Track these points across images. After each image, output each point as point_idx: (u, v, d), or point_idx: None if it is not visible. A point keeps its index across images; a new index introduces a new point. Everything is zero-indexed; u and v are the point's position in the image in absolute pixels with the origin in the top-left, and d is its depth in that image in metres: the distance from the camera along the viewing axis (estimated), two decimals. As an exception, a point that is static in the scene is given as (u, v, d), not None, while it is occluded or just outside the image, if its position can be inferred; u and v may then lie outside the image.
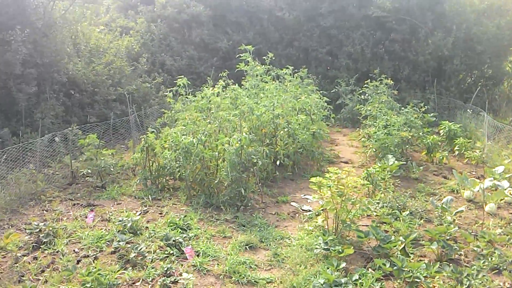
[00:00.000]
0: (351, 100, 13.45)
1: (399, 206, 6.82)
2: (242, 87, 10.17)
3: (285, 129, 8.63)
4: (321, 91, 11.57)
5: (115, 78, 12.00)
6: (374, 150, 9.02)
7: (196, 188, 7.44)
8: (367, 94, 11.56)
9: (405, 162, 8.46)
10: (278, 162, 8.30)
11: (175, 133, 7.66)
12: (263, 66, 10.52)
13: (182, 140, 7.26)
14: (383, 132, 8.92)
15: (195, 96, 9.38)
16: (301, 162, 9.12)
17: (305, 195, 7.77)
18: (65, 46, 11.55)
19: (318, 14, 16.29)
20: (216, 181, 7.16)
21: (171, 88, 9.21)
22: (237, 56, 11.06)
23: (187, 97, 9.16)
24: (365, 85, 11.59)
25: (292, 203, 7.42)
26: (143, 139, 7.90)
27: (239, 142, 6.98)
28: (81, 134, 8.84)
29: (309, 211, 7.00)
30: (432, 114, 11.31)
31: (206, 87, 9.71)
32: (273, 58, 11.19)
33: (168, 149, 7.72)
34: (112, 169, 8.36)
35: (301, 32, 16.60)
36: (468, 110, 12.00)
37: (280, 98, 9.13)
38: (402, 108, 10.81)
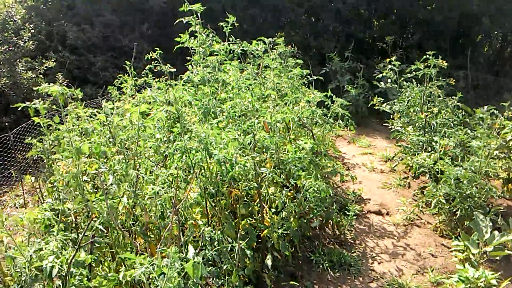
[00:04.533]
0: (353, 85, 9.00)
1: None
2: (186, 82, 5.52)
3: (277, 181, 4.22)
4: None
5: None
6: (442, 200, 4.76)
7: None
8: (389, 80, 7.16)
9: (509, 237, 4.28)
10: (269, 260, 3.88)
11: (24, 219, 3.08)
12: (222, 43, 5.80)
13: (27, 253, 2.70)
14: (461, 166, 4.66)
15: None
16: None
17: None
18: None
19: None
20: None
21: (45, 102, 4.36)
22: (178, 21, 6.23)
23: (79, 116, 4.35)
24: (385, 64, 7.11)
25: None
26: None
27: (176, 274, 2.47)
28: None
29: None
30: (487, 108, 7.12)
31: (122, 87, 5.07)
32: (234, 23, 6.45)
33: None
34: None
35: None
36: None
37: (261, 108, 4.59)
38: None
